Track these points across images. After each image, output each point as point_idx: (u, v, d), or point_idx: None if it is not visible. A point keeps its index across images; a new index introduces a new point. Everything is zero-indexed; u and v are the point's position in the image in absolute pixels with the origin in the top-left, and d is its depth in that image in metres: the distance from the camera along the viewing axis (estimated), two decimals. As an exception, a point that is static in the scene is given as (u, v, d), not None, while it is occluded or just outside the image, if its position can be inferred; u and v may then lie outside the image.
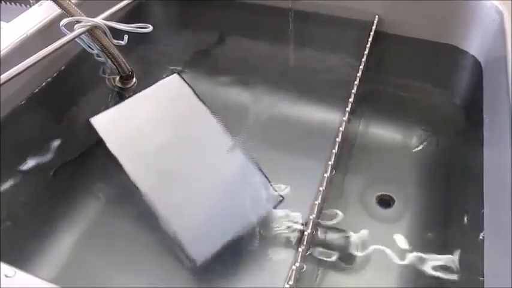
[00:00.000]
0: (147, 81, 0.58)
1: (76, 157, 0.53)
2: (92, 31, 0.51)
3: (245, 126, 0.57)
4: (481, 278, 0.40)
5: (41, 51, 0.47)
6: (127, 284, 0.43)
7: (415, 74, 0.65)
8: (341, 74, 0.63)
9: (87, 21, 0.50)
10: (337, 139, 0.48)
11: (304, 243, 0.40)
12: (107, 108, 0.55)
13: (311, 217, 0.42)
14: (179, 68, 0.64)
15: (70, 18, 0.50)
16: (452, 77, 0.65)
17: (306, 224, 0.43)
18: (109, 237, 0.47)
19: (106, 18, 0.52)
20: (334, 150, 0.47)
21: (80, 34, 0.50)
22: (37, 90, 0.58)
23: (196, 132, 0.53)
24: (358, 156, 0.54)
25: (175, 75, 0.57)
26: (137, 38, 0.55)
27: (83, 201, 0.50)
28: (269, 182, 0.48)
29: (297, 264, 0.37)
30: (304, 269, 0.40)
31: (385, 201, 0.50)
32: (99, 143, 0.51)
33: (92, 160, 0.54)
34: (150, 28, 0.53)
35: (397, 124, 0.59)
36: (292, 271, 0.37)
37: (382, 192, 0.50)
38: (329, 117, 0.58)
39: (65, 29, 0.50)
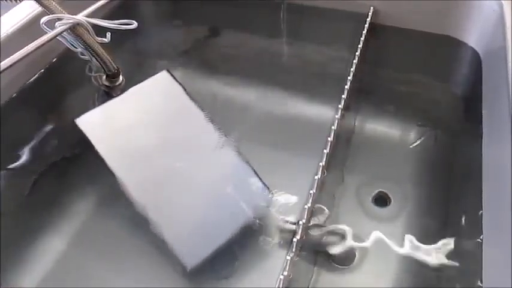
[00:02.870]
0: (135, 79, 0.57)
1: (61, 159, 0.52)
2: (74, 29, 0.50)
3: (236, 124, 0.55)
4: (479, 283, 0.39)
5: (20, 51, 0.45)
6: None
7: (413, 67, 0.64)
8: (335, 69, 0.62)
9: (68, 19, 0.49)
10: (329, 138, 0.47)
11: (293, 250, 0.39)
12: (93, 107, 0.53)
13: (300, 222, 0.40)
14: (169, 64, 0.63)
15: (50, 16, 0.48)
16: (451, 70, 0.64)
17: (295, 230, 0.41)
18: (96, 241, 0.46)
19: (89, 15, 0.51)
20: (325, 151, 0.46)
21: (61, 32, 0.49)
22: (20, 90, 0.57)
23: (186, 131, 0.52)
24: (354, 153, 0.53)
25: (164, 72, 0.56)
26: (125, 35, 0.54)
27: (68, 204, 0.48)
28: (262, 182, 0.47)
29: (285, 273, 0.36)
30: (291, 276, 0.39)
31: (382, 200, 0.49)
32: (86, 144, 0.50)
33: (78, 162, 0.52)
34: (134, 25, 0.52)
35: (394, 119, 0.57)
36: (280, 280, 0.36)
37: (379, 190, 0.49)
38: (322, 114, 0.57)
39: (45, 27, 0.48)
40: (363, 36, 0.60)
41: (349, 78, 0.54)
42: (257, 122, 0.57)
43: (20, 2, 0.59)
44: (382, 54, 0.66)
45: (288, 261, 0.37)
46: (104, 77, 0.58)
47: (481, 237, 0.42)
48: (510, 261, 0.35)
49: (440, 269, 0.42)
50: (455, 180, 0.50)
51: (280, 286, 0.36)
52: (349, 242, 0.44)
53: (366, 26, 0.62)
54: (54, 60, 0.61)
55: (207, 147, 0.50)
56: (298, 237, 0.39)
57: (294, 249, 0.39)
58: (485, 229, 0.42)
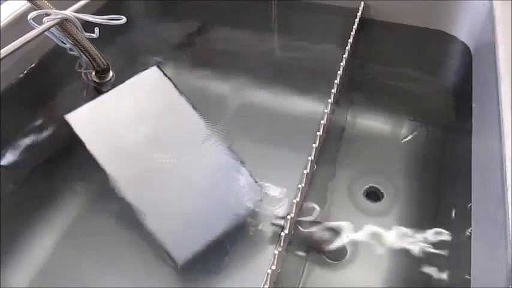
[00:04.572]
0: (125, 75, 0.56)
1: (51, 156, 0.52)
2: (62, 24, 0.49)
3: (227, 120, 0.55)
4: (467, 277, 0.39)
5: (7, 47, 0.45)
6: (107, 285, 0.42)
7: (404, 62, 0.64)
8: (325, 64, 0.62)
9: (56, 14, 0.48)
10: (318, 133, 0.46)
11: (281, 244, 0.38)
12: (83, 104, 0.53)
13: (288, 217, 0.40)
14: (159, 60, 0.62)
15: (38, 11, 0.48)
16: (442, 64, 0.64)
17: (283, 224, 0.41)
18: (87, 238, 0.45)
19: (77, 11, 0.50)
20: (314, 145, 0.46)
21: (49, 28, 0.48)
22: (8, 87, 0.57)
23: (176, 126, 0.52)
24: (346, 148, 0.53)
25: (154, 68, 0.56)
26: (116, 32, 0.53)
27: (59, 201, 0.48)
28: (252, 178, 0.47)
29: (273, 268, 0.36)
30: (280, 271, 0.39)
31: (374, 195, 0.49)
32: (76, 140, 0.50)
33: (68, 159, 0.52)
34: (123, 20, 0.51)
35: (385, 114, 0.57)
36: (267, 275, 0.36)
37: (371, 185, 0.49)
38: (313, 109, 0.56)
39: (33, 23, 0.48)
40: (354, 31, 0.60)
41: (339, 73, 0.53)
42: (247, 117, 0.57)
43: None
44: (373, 49, 0.66)
45: (276, 256, 0.37)
46: (94, 73, 0.58)
47: (470, 230, 0.42)
48: (497, 253, 0.35)
49: (430, 262, 0.42)
50: (446, 174, 0.50)
51: (268, 280, 0.36)
52: (341, 237, 0.44)
53: (357, 20, 0.61)
54: (43, 56, 0.60)
55: (198, 143, 0.50)
56: (286, 231, 0.39)
57: (282, 244, 0.38)
58: (474, 222, 0.42)
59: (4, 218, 0.46)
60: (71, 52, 0.54)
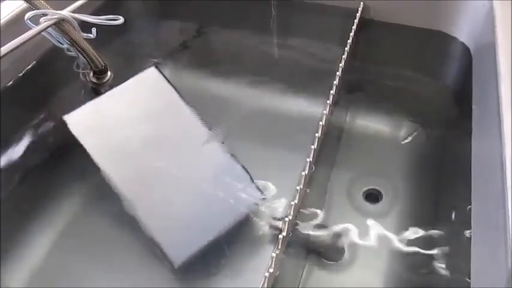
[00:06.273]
0: (123, 76, 0.56)
1: (50, 157, 0.52)
2: (59, 24, 0.49)
3: (225, 121, 0.55)
4: (467, 279, 0.39)
5: (3, 47, 0.44)
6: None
7: (403, 63, 0.64)
8: (324, 65, 0.62)
9: (53, 14, 0.48)
10: (317, 134, 0.46)
11: (279, 247, 0.38)
12: (81, 104, 0.53)
13: (287, 219, 0.40)
14: (157, 61, 0.62)
15: (35, 11, 0.48)
16: (442, 65, 0.64)
17: (281, 227, 0.41)
18: (84, 239, 0.45)
19: (75, 11, 0.50)
20: (313, 147, 0.45)
21: (46, 28, 0.48)
22: (5, 88, 0.56)
23: (174, 127, 0.52)
24: (345, 150, 0.53)
25: (152, 69, 0.56)
26: (114, 32, 0.53)
27: (57, 202, 0.48)
28: (251, 179, 0.46)
29: (271, 270, 0.36)
30: (278, 273, 0.39)
31: (373, 196, 0.48)
32: (74, 141, 0.50)
33: (66, 160, 0.52)
34: (121, 20, 0.51)
35: (384, 115, 0.57)
36: (265, 278, 0.35)
37: (370, 187, 0.49)
38: (312, 110, 0.56)
39: (30, 23, 0.48)
40: (353, 31, 0.59)
41: (338, 73, 0.53)
42: (246, 118, 0.56)
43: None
44: (373, 50, 0.66)
45: (274, 259, 0.37)
46: (92, 73, 0.58)
47: (470, 232, 0.41)
48: (497, 255, 0.35)
49: (429, 264, 0.42)
50: (446, 175, 0.49)
51: (266, 283, 0.35)
52: (340, 238, 0.44)
53: (356, 21, 0.61)
54: (41, 57, 0.60)
55: (195, 143, 0.50)
56: (284, 233, 0.39)
57: (279, 246, 0.38)
58: (474, 224, 0.41)
59: (3, 219, 0.46)
60: (68, 52, 0.54)
